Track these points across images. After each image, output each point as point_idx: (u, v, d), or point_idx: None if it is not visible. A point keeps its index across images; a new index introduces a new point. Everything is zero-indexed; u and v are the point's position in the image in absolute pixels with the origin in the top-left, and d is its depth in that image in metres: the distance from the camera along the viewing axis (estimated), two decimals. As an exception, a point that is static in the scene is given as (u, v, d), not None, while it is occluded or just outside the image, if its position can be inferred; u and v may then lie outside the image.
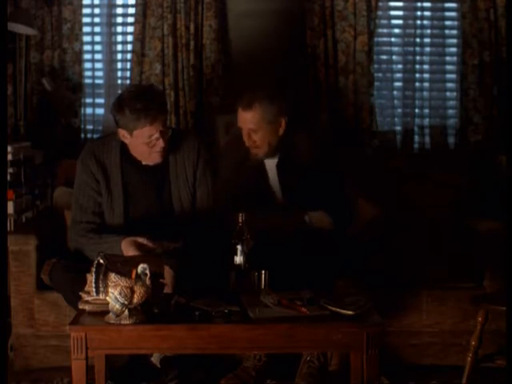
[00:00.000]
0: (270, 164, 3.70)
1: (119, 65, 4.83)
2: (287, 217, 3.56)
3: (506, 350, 2.75)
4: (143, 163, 3.44)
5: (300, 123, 3.88)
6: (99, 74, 4.83)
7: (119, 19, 4.82)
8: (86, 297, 2.90)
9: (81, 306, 2.91)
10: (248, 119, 3.60)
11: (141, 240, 3.23)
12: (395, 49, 4.81)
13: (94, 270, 2.75)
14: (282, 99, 3.63)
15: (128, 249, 3.21)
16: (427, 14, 4.77)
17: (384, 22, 4.76)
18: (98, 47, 4.82)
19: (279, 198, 3.70)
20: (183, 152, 3.49)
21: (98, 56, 4.82)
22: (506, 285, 2.97)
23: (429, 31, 4.78)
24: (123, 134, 3.37)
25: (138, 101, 3.28)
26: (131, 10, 4.76)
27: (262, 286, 3.10)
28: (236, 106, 3.65)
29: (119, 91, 4.53)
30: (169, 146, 3.39)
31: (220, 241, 3.28)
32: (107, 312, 2.78)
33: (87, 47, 4.81)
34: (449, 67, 4.82)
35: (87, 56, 4.82)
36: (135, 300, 2.73)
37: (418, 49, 4.77)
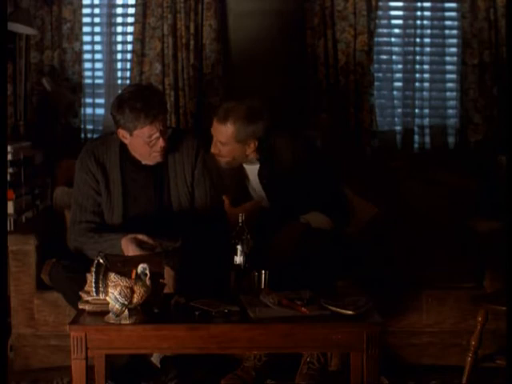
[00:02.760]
0: (251, 170, 3.70)
1: (119, 65, 4.83)
2: (285, 222, 3.54)
3: (506, 350, 2.75)
4: (143, 163, 3.45)
5: (283, 127, 3.87)
6: (99, 73, 4.83)
7: (119, 19, 4.81)
8: (85, 297, 2.90)
9: (81, 306, 2.91)
10: (219, 131, 3.59)
11: (141, 237, 3.24)
12: (395, 49, 4.80)
13: (93, 269, 2.75)
14: (258, 121, 3.57)
15: (128, 246, 3.22)
16: (427, 13, 4.76)
17: (384, 21, 4.76)
18: (97, 47, 4.82)
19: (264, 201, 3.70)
20: (182, 152, 3.49)
21: (97, 56, 4.82)
22: (506, 285, 2.97)
23: (429, 31, 4.78)
24: (123, 134, 3.37)
25: (137, 100, 3.28)
26: (131, 10, 4.75)
27: (262, 286, 3.10)
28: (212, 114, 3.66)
29: (119, 91, 4.53)
30: (168, 146, 3.39)
31: (219, 240, 3.28)
32: (107, 312, 2.78)
33: (87, 47, 4.81)
34: (449, 67, 4.82)
35: (87, 56, 4.81)
36: (135, 300, 2.73)
37: (418, 49, 4.76)
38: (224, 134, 3.57)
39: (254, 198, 3.70)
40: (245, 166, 3.71)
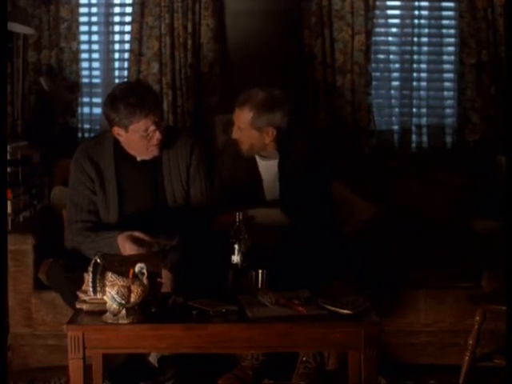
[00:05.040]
0: (267, 165, 3.68)
1: (116, 64, 4.83)
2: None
3: (506, 350, 2.74)
4: (138, 159, 3.46)
5: (300, 123, 3.87)
6: (96, 73, 4.83)
7: (116, 18, 4.81)
8: (83, 296, 2.90)
9: (78, 306, 2.91)
10: (238, 116, 3.61)
11: (137, 234, 3.24)
12: (393, 48, 4.81)
13: (91, 269, 2.74)
14: (276, 109, 3.57)
15: (125, 244, 3.22)
16: (425, 13, 4.77)
17: (382, 21, 4.76)
18: (95, 46, 4.81)
19: (270, 196, 3.68)
20: (176, 149, 3.51)
21: (95, 55, 4.82)
22: (506, 285, 2.97)
23: (426, 30, 4.78)
24: (118, 131, 3.38)
25: (131, 96, 3.31)
26: (129, 9, 4.75)
27: (260, 286, 3.10)
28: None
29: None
30: (164, 139, 3.40)
31: (214, 237, 3.27)
32: (105, 311, 2.78)
33: (84, 46, 4.81)
34: (446, 66, 4.82)
35: (84, 55, 4.81)
36: (132, 299, 2.72)
37: (415, 48, 4.76)
38: (241, 120, 3.58)
39: (265, 193, 3.69)
40: (260, 161, 3.69)
